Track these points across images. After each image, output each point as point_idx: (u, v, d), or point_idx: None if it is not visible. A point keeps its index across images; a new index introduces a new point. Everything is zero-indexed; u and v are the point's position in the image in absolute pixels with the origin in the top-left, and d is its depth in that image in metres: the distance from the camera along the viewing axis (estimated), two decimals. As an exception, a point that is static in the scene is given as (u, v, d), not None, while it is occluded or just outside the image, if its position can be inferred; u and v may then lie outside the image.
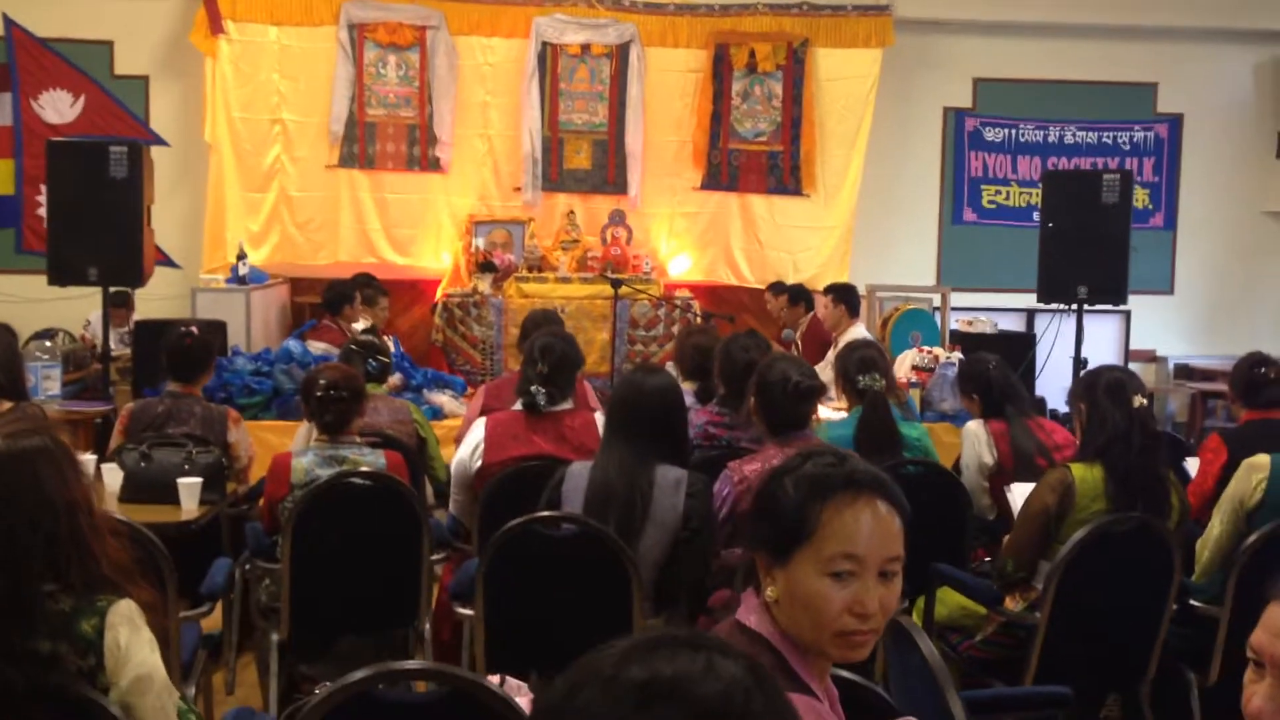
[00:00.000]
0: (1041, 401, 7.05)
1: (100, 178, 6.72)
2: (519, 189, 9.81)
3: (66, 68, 9.50)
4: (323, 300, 7.84)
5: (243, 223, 9.49)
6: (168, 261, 9.03)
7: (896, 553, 1.82)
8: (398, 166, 9.79)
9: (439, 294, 9.31)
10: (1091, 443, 3.77)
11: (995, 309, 9.59)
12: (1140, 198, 10.41)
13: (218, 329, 6.78)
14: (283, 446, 5.22)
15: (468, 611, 3.55)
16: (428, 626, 4.17)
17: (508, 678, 2.47)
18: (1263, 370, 4.46)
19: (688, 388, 4.93)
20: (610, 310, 8.60)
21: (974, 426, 4.63)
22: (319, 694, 2.14)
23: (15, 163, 9.49)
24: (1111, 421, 3.73)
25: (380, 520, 4.01)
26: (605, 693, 1.06)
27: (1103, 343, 9.66)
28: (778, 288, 9.07)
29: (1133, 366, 9.29)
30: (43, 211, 8.50)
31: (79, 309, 8.60)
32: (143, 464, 4.46)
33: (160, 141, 9.36)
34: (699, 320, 8.35)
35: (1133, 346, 10.46)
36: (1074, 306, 7.32)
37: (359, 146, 9.72)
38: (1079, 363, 7.24)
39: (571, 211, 9.80)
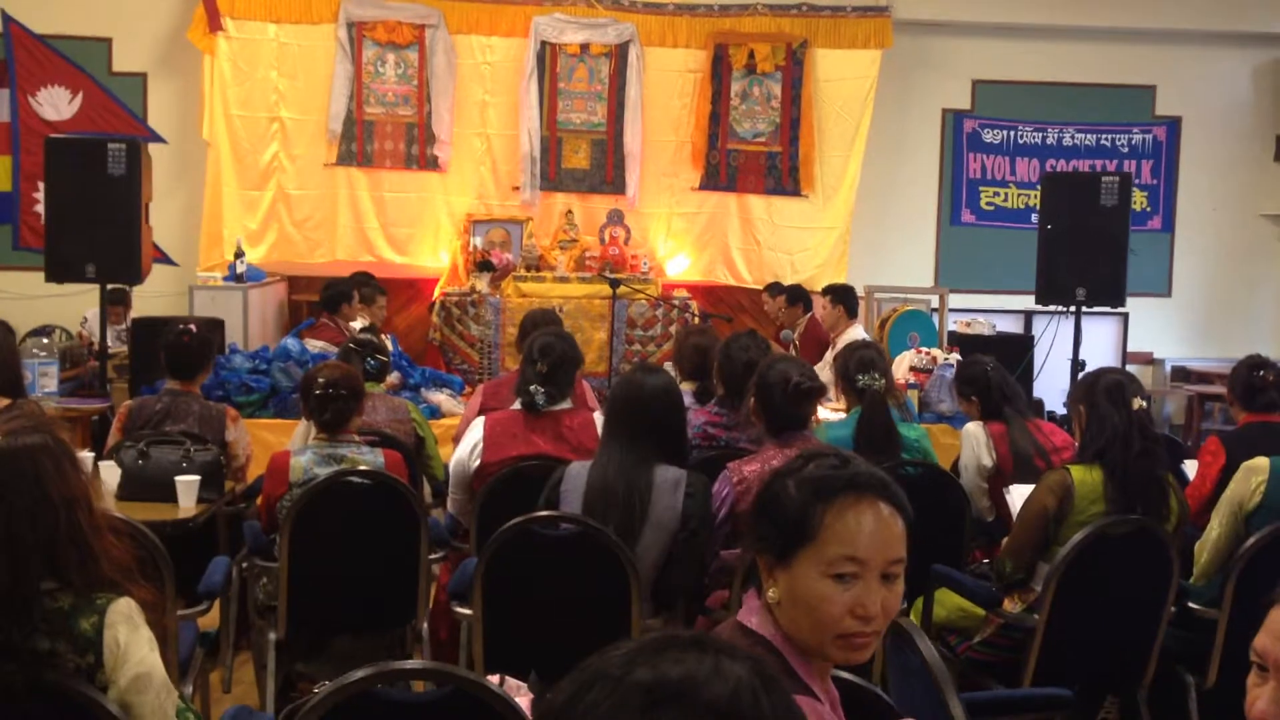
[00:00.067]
0: (1039, 403, 7.05)
1: (98, 175, 6.72)
2: (517, 188, 9.81)
3: (64, 64, 9.49)
4: (321, 298, 7.83)
5: (240, 220, 9.48)
6: (165, 259, 9.03)
7: (899, 555, 1.81)
8: (396, 165, 9.79)
9: (437, 293, 9.31)
10: (1091, 445, 3.77)
11: (993, 310, 9.60)
12: (1138, 200, 10.43)
13: (215, 327, 6.77)
14: (280, 445, 5.22)
15: (466, 611, 3.54)
16: (425, 626, 4.16)
17: (507, 678, 2.47)
18: (1261, 373, 4.47)
19: (686, 388, 4.92)
20: (608, 310, 8.60)
21: (973, 428, 4.63)
22: (318, 693, 2.13)
23: (12, 159, 9.47)
24: (1111, 424, 3.73)
25: (378, 519, 4.01)
26: (612, 695, 1.05)
27: (1100, 345, 9.67)
28: (775, 288, 9.07)
29: (1130, 369, 9.29)
30: (39, 208, 8.51)
31: (75, 306, 8.60)
32: (140, 462, 4.45)
33: (158, 139, 9.35)
34: (697, 320, 8.35)
35: (1130, 349, 10.47)
36: (1072, 308, 7.32)
37: (357, 145, 9.72)
38: (1077, 365, 7.24)
39: (570, 211, 9.80)
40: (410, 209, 9.83)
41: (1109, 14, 10.20)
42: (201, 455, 4.53)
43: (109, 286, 7.12)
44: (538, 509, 3.52)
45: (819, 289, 8.44)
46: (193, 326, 5.07)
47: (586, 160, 9.99)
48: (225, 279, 8.57)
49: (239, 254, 8.66)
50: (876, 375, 4.43)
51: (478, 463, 4.20)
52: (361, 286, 7.98)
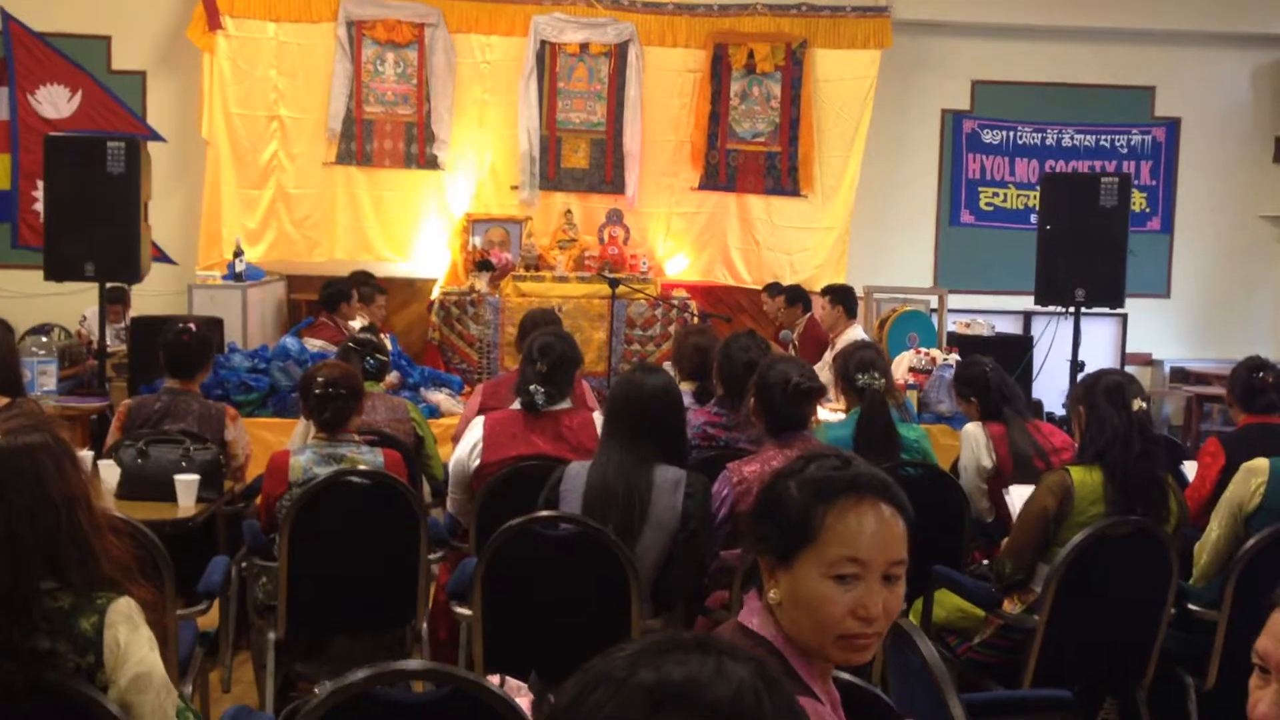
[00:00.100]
0: (1038, 404, 7.06)
1: (98, 173, 6.71)
2: (516, 187, 9.81)
3: (63, 63, 9.48)
4: (320, 297, 7.83)
5: (239, 219, 9.48)
6: (164, 258, 9.02)
7: (900, 556, 1.81)
8: (395, 164, 9.79)
9: (436, 292, 9.30)
10: (1091, 446, 3.77)
11: (992, 311, 9.60)
12: (1137, 201, 10.43)
13: (214, 326, 6.76)
14: (279, 444, 5.22)
15: (465, 611, 3.54)
16: (425, 626, 4.16)
17: (508, 678, 2.47)
18: (1261, 375, 4.47)
19: (686, 388, 4.92)
20: (607, 310, 8.60)
21: (973, 429, 4.63)
22: (319, 693, 2.13)
23: (11, 158, 9.47)
24: (1111, 425, 3.73)
25: (378, 519, 4.00)
26: (615, 696, 1.05)
27: (1099, 346, 9.67)
28: (774, 288, 9.07)
29: (1129, 370, 9.29)
30: (38, 207, 8.50)
31: (74, 304, 8.59)
32: (140, 461, 4.45)
33: (157, 137, 9.34)
34: (696, 320, 8.35)
35: (1129, 350, 10.47)
36: (1071, 309, 7.32)
37: (356, 144, 9.72)
38: (1076, 366, 7.25)
39: (569, 210, 9.80)
40: (409, 208, 9.83)
41: (1109, 15, 10.20)
42: (201, 454, 4.52)
43: (108, 285, 7.11)
44: (537, 509, 3.52)
45: (818, 289, 8.43)
46: (192, 325, 5.07)
47: (586, 160, 9.99)
48: (224, 278, 8.57)
49: (238, 253, 8.66)
50: (876, 375, 4.43)
51: (477, 462, 4.20)
52: (360, 285, 7.98)
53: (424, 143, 9.77)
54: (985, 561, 4.32)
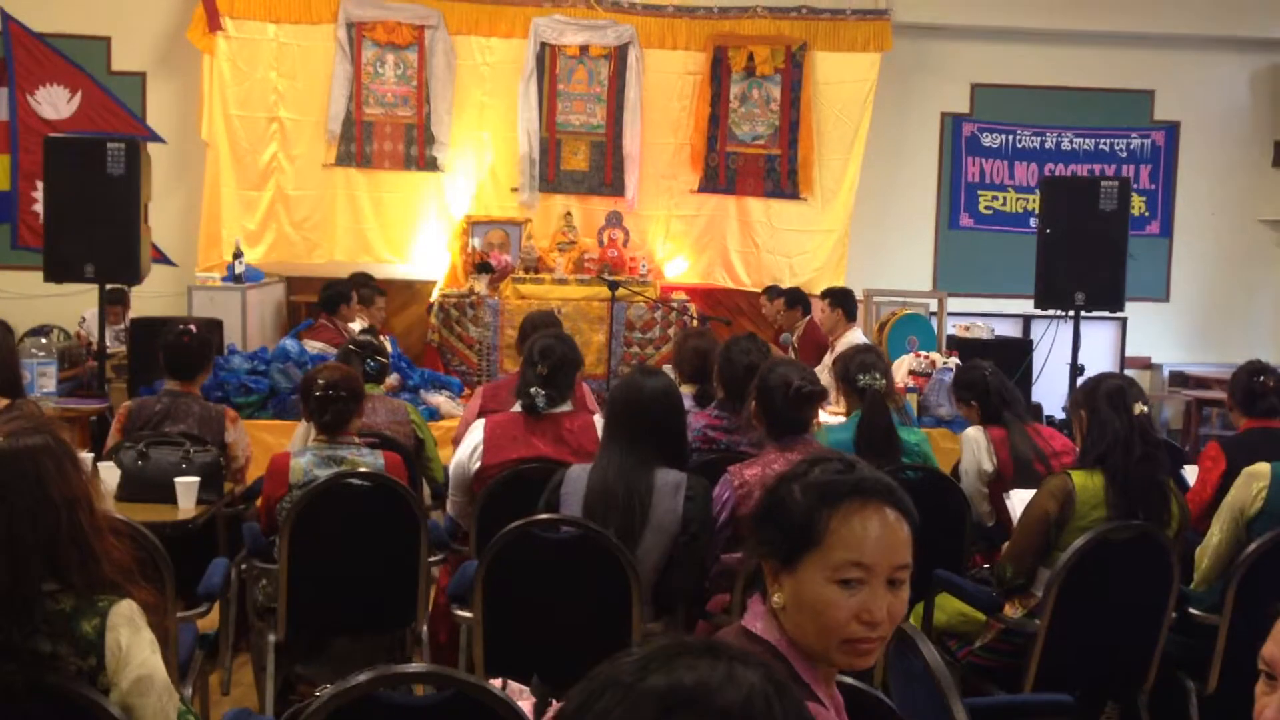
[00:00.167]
0: (1038, 408, 7.06)
1: (98, 174, 6.71)
2: (516, 190, 9.81)
3: (63, 63, 9.48)
4: (319, 299, 7.82)
5: (239, 221, 9.48)
6: (163, 259, 9.02)
7: (905, 560, 1.81)
8: (395, 166, 9.79)
9: (435, 294, 9.29)
10: (1092, 450, 3.77)
11: (992, 314, 9.60)
12: (1137, 205, 10.44)
13: (214, 327, 6.76)
14: (279, 446, 5.22)
15: (466, 614, 3.53)
16: (425, 628, 4.15)
17: (510, 681, 2.46)
18: (1261, 379, 4.47)
19: (686, 391, 4.92)
20: (607, 312, 8.60)
21: (974, 433, 4.63)
22: (321, 696, 2.12)
23: (11, 158, 9.46)
24: (1112, 429, 3.72)
25: (378, 521, 4.00)
26: (624, 702, 1.05)
27: (1098, 350, 9.68)
28: (773, 291, 9.06)
29: (1128, 374, 9.29)
30: (38, 208, 8.51)
31: (73, 306, 8.58)
32: (140, 463, 4.44)
33: (157, 138, 9.34)
34: (695, 323, 8.35)
35: (1128, 354, 10.48)
36: (1071, 313, 7.32)
37: (356, 145, 9.72)
38: (1075, 369, 7.25)
39: (568, 213, 9.81)
40: (409, 210, 9.83)
41: (1108, 18, 10.22)
42: (201, 456, 4.52)
43: (108, 286, 7.11)
44: (538, 512, 3.51)
45: (818, 292, 8.43)
46: (192, 327, 5.06)
47: (585, 162, 9.99)
48: (224, 279, 8.56)
49: (237, 254, 8.66)
50: (878, 375, 4.43)
51: (478, 465, 4.19)
52: (360, 287, 7.98)
53: (424, 144, 9.77)
54: (986, 565, 4.31)
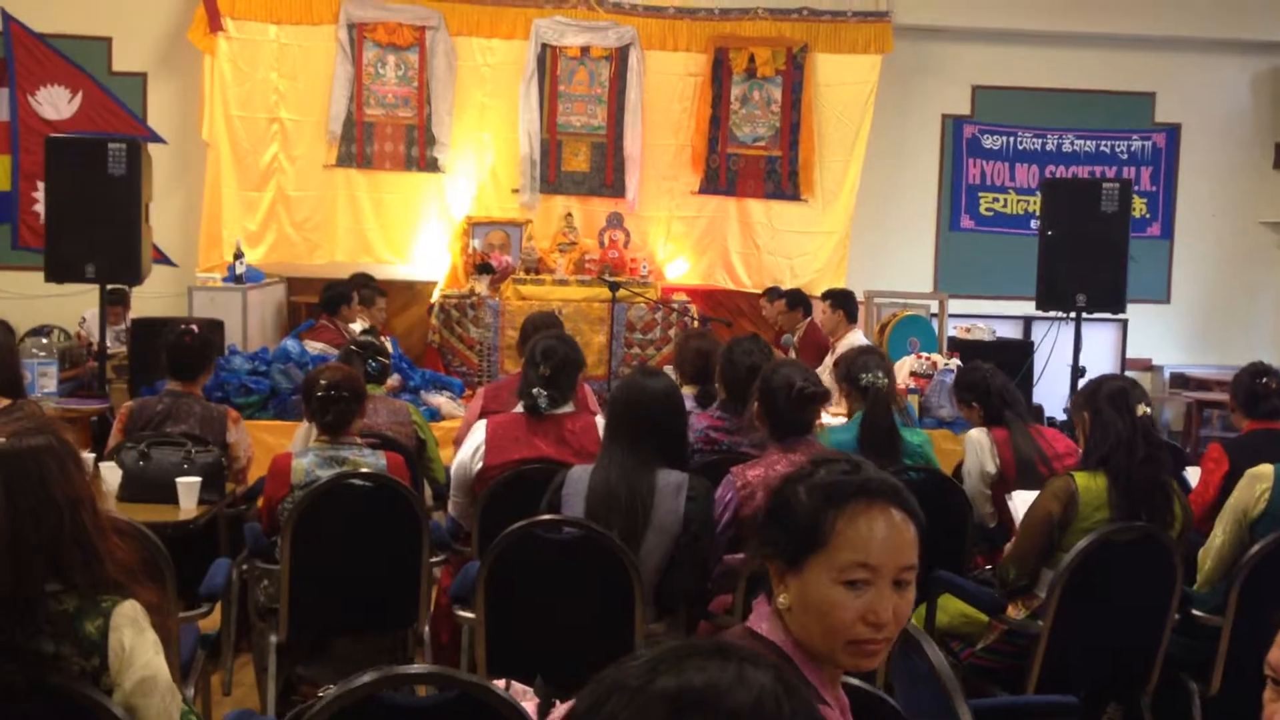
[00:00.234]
0: (1039, 409, 7.05)
1: (99, 175, 6.71)
2: (517, 191, 9.81)
3: (64, 64, 9.48)
4: (320, 300, 7.82)
5: (240, 221, 9.48)
6: (164, 260, 9.01)
7: (911, 561, 1.81)
8: (395, 166, 9.79)
9: (436, 295, 9.29)
10: (1095, 451, 3.77)
11: (992, 316, 9.60)
12: (1138, 207, 10.44)
13: (215, 328, 6.75)
14: (280, 446, 5.21)
15: (468, 615, 3.53)
16: (427, 629, 4.15)
17: (513, 682, 2.46)
18: (1264, 380, 4.46)
19: (688, 392, 4.92)
20: (607, 313, 8.59)
21: (977, 435, 4.62)
22: (324, 697, 2.12)
23: (12, 159, 9.46)
24: (1115, 430, 3.72)
25: (380, 522, 3.99)
26: (634, 703, 1.05)
27: (1099, 351, 9.68)
28: (774, 293, 9.06)
29: (1129, 375, 9.29)
30: (38, 208, 8.50)
31: (73, 306, 8.58)
32: (141, 463, 4.43)
33: (157, 139, 9.33)
34: (696, 324, 8.34)
35: (1129, 355, 10.48)
36: (1072, 314, 7.32)
37: (357, 146, 9.71)
38: (1077, 371, 7.24)
39: (569, 214, 9.81)
40: (409, 211, 9.83)
41: (1109, 20, 10.22)
42: (202, 457, 4.51)
43: (108, 287, 7.10)
44: (539, 513, 3.51)
45: (818, 293, 8.44)
46: (194, 327, 5.06)
47: (586, 163, 9.99)
48: (224, 280, 8.56)
49: (238, 255, 8.65)
50: (880, 374, 4.43)
51: (480, 466, 4.19)
52: (361, 288, 7.97)
53: (424, 145, 9.77)
54: (988, 567, 4.31)
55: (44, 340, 7.93)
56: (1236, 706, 3.64)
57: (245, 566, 4.47)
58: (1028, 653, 3.60)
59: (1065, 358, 7.40)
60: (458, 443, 4.71)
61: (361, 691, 2.11)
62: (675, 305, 9.00)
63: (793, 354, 7.99)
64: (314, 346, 6.64)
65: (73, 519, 2.31)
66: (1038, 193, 9.74)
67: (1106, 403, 3.78)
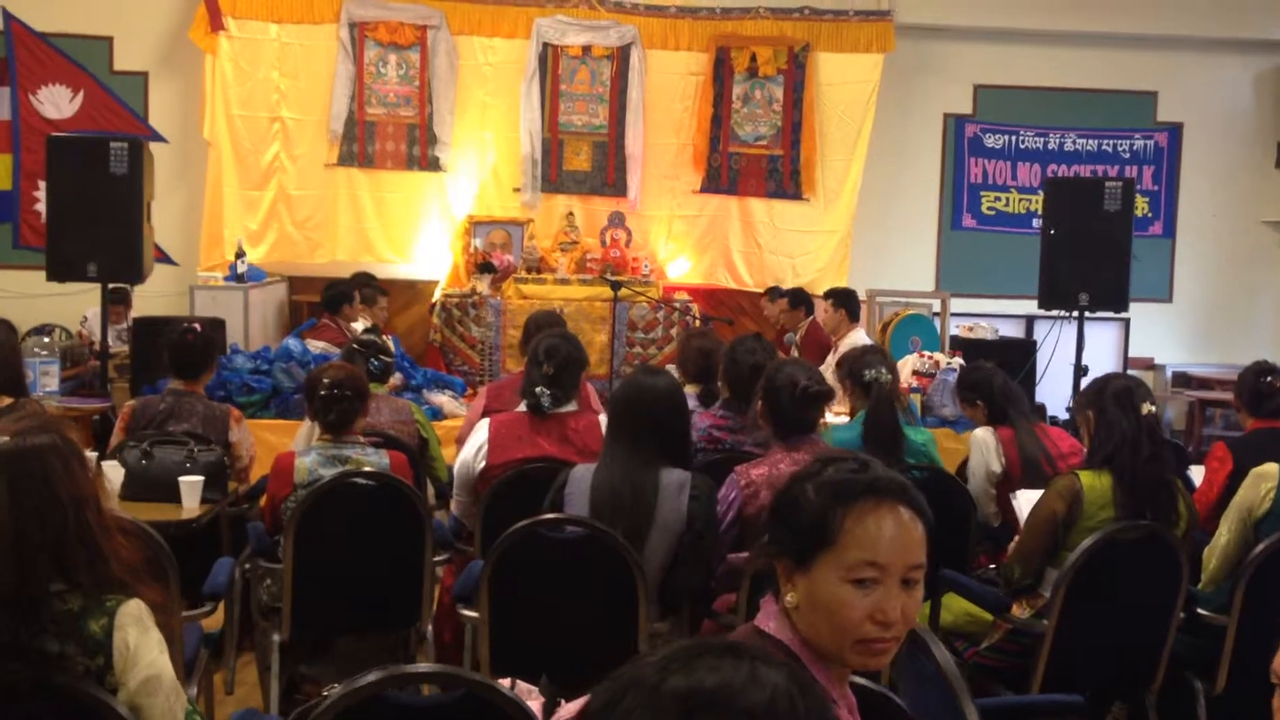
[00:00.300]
0: (1042, 408, 7.05)
1: (101, 174, 6.70)
2: (518, 190, 9.80)
3: (65, 63, 9.48)
4: (322, 299, 7.82)
5: (241, 220, 9.47)
6: (165, 259, 9.01)
7: (919, 560, 1.80)
8: (397, 166, 9.78)
9: (437, 294, 9.29)
10: (1099, 450, 3.76)
11: (994, 315, 9.60)
12: (1140, 206, 10.43)
13: (217, 327, 6.74)
14: (282, 445, 5.21)
15: (471, 613, 3.52)
16: (430, 628, 4.14)
17: (518, 681, 2.45)
18: (1269, 379, 4.45)
19: (690, 391, 4.91)
20: (609, 312, 8.58)
21: (982, 434, 4.62)
22: (329, 696, 2.11)
23: (13, 158, 9.45)
24: (1119, 429, 3.72)
25: (383, 521, 3.99)
26: (648, 703, 1.04)
27: (1102, 350, 9.66)
28: (775, 292, 9.06)
29: (1131, 374, 9.28)
30: (40, 207, 8.50)
31: (75, 305, 8.57)
32: (144, 462, 4.43)
33: (159, 138, 9.34)
34: (698, 323, 8.34)
35: (1131, 354, 10.47)
36: (1075, 313, 7.31)
37: (358, 145, 9.71)
38: (1079, 370, 7.24)
39: (571, 213, 9.80)
40: (411, 210, 9.82)
41: (1111, 19, 10.21)
42: (205, 456, 4.50)
43: (110, 286, 7.10)
44: (542, 511, 3.50)
45: (820, 292, 8.43)
46: (197, 326, 5.05)
47: (588, 162, 9.98)
48: (226, 279, 8.56)
49: (240, 254, 8.65)
50: (884, 370, 4.42)
51: (482, 465, 4.18)
52: (363, 287, 7.97)
53: (426, 144, 9.76)
54: (992, 566, 4.31)
55: (46, 339, 7.94)
56: (1242, 705, 3.64)
57: (248, 565, 4.46)
58: (1032, 652, 3.60)
59: (1068, 357, 7.39)
60: (460, 441, 4.71)
61: (367, 690, 2.11)
62: (677, 304, 8.99)
63: (795, 353, 7.99)
64: (316, 345, 6.64)
65: (77, 518, 2.30)
66: (1039, 192, 9.74)
67: (1111, 401, 3.78)
